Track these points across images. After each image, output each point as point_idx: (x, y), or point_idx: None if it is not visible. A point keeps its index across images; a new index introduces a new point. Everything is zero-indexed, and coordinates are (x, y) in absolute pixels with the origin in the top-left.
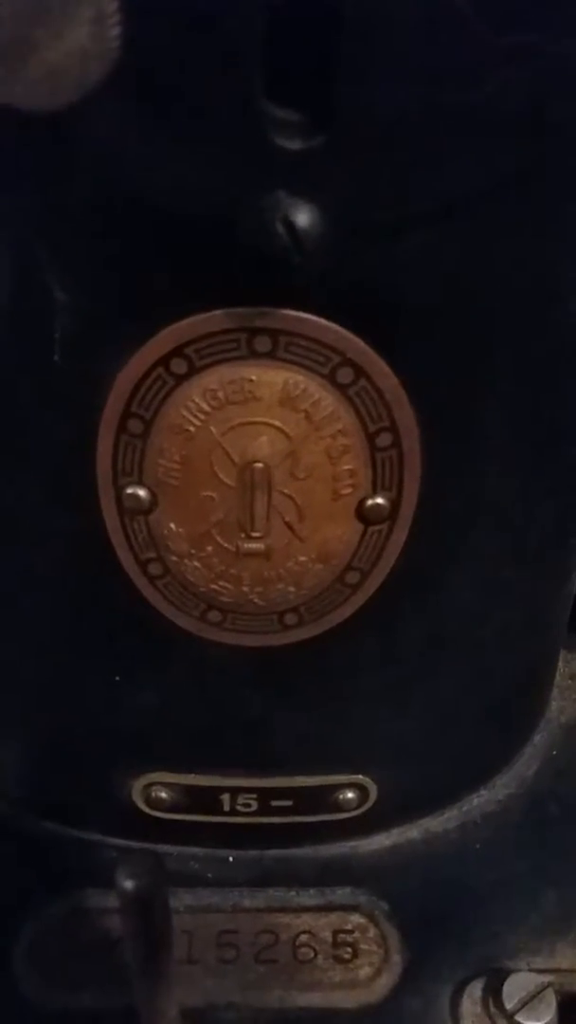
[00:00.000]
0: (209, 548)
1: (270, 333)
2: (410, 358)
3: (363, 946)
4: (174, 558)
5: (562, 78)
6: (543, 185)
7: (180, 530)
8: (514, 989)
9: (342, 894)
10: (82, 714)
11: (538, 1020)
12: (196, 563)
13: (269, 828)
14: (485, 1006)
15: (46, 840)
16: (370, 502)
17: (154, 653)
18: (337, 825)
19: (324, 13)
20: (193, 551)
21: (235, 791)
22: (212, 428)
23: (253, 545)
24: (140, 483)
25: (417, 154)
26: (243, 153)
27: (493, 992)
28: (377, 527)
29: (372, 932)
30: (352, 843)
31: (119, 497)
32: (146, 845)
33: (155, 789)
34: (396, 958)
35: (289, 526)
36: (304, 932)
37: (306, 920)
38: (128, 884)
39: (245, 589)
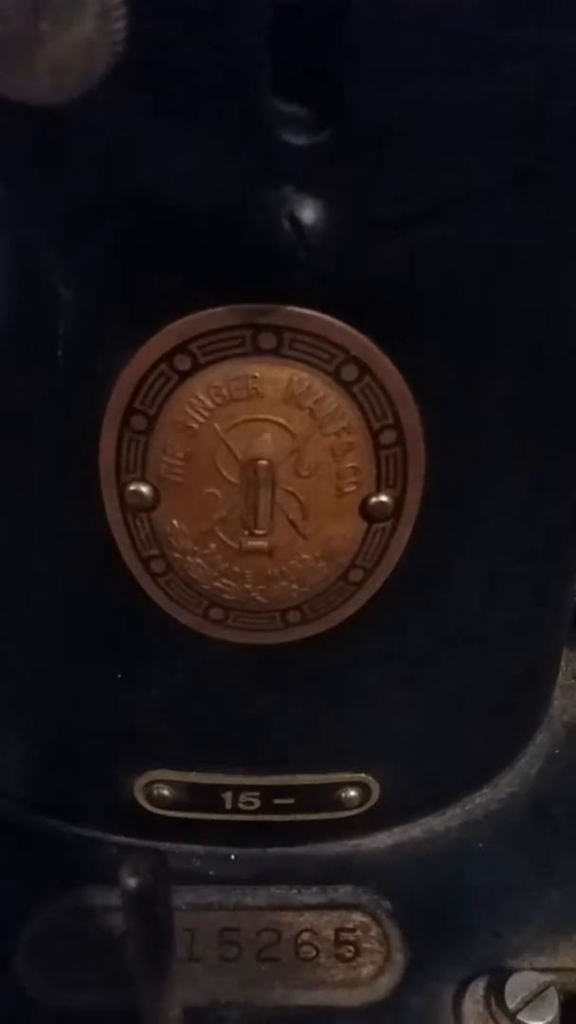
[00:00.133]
0: (212, 545)
1: (274, 330)
2: (414, 355)
3: (365, 945)
4: (177, 555)
5: (568, 74)
6: (548, 181)
7: (183, 527)
8: (516, 988)
9: (344, 892)
10: (84, 711)
11: (540, 1020)
12: (199, 560)
13: (271, 826)
14: (487, 1005)
15: (48, 837)
16: (374, 500)
17: (156, 651)
18: (339, 823)
19: (330, 8)
20: (196, 548)
21: (237, 789)
22: (216, 425)
23: (256, 543)
24: (143, 480)
25: (422, 150)
26: (248, 148)
27: (495, 991)
28: (381, 525)
29: (374, 931)
30: (354, 841)
31: (122, 494)
32: (148, 843)
33: (157, 787)
34: (398, 957)
35: (293, 523)
36: (306, 930)
37: (308, 918)
38: (131, 882)
39: (248, 587)
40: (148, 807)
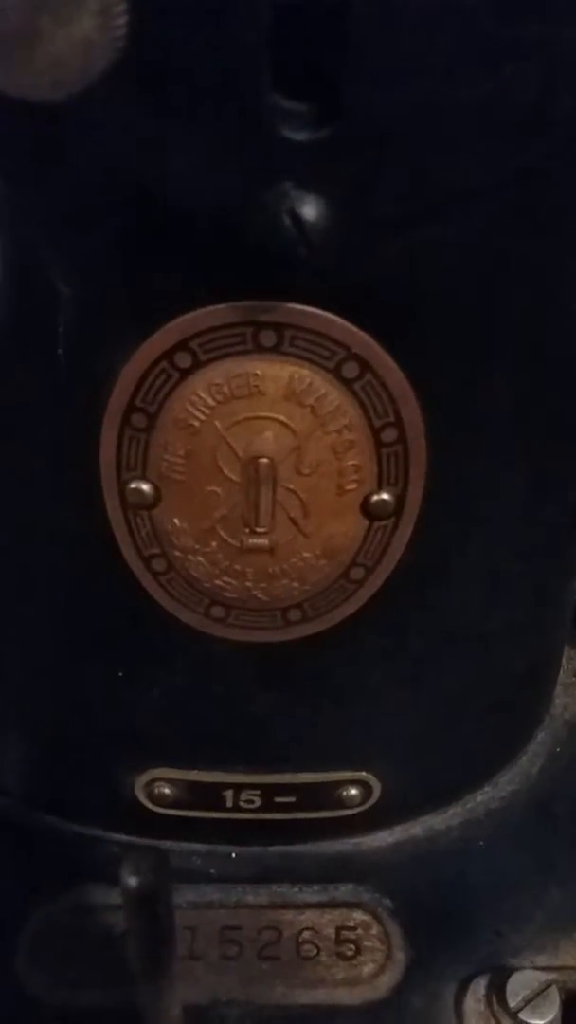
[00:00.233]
0: (213, 544)
1: (275, 327)
2: (415, 353)
3: (366, 943)
4: (178, 553)
5: (568, 72)
6: (548, 181)
7: (184, 525)
8: (518, 987)
9: (345, 891)
10: (85, 710)
11: (542, 1018)
12: (200, 559)
13: (272, 824)
14: (489, 1004)
15: (48, 835)
16: (375, 498)
17: (157, 649)
18: (340, 822)
19: (330, 7)
20: (197, 547)
21: (238, 787)
22: (217, 423)
23: (257, 541)
24: (144, 478)
25: (423, 147)
26: (249, 146)
27: (497, 990)
28: (382, 523)
29: (375, 929)
30: (355, 840)
31: (122, 492)
32: (149, 841)
33: (158, 785)
34: (399, 955)
35: (294, 522)
36: (307, 929)
37: (309, 917)
38: (132, 880)
39: (249, 585)
40: (149, 805)
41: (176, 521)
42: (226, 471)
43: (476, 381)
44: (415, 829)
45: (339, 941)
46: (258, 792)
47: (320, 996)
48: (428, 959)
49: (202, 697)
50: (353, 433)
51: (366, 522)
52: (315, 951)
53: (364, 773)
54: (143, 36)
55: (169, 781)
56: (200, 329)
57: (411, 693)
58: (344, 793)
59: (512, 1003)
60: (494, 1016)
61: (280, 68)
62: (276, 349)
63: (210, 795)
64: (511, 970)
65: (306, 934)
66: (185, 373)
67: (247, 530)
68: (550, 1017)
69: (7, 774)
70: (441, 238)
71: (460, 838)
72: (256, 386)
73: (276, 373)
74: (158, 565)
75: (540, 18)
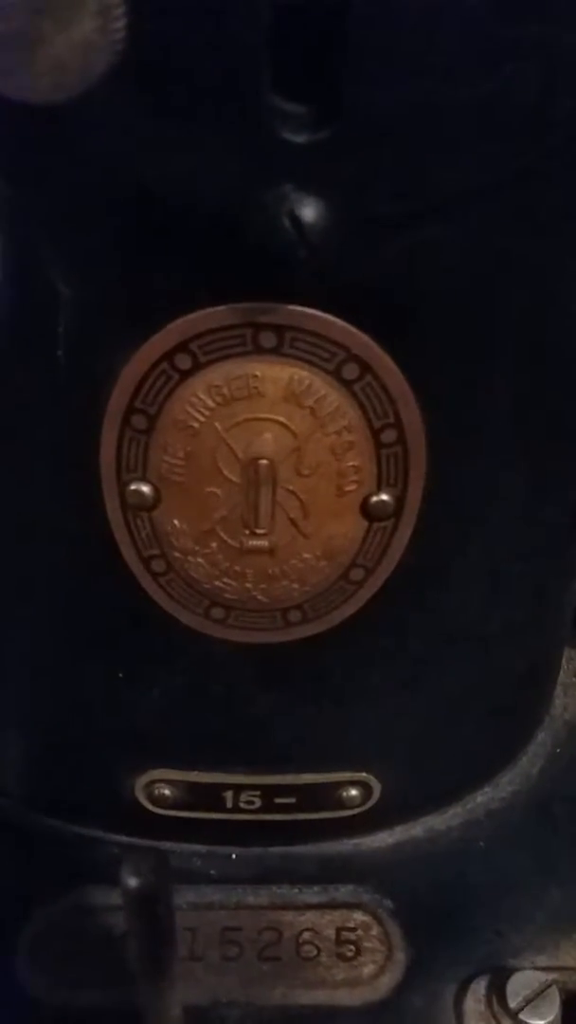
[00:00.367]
0: (213, 545)
1: (275, 328)
2: (415, 354)
3: (366, 944)
4: (177, 555)
5: (568, 73)
6: (548, 181)
7: (184, 527)
8: (518, 987)
9: (345, 891)
10: (84, 711)
11: (542, 1019)
12: (200, 560)
13: (272, 825)
14: (489, 1004)
15: (48, 837)
16: (375, 499)
17: (157, 650)
18: (340, 822)
19: (330, 7)
20: (197, 548)
21: (238, 788)
22: (216, 424)
23: (257, 542)
24: (144, 479)
25: (423, 148)
26: (249, 147)
27: (497, 990)
28: (382, 524)
29: (375, 930)
30: (355, 840)
31: (122, 493)
32: (149, 842)
33: (158, 786)
34: (399, 956)
35: (293, 523)
36: (307, 929)
37: (309, 917)
38: (132, 881)
39: (249, 586)
40: (149, 806)
41: (176, 522)
42: (226, 472)
43: (476, 382)
44: (415, 830)
45: (339, 942)
46: (258, 793)
47: (320, 997)
48: (428, 960)
49: (202, 698)
50: (353, 434)
51: (366, 523)
52: (315, 952)
53: (364, 774)
54: (143, 37)
55: (169, 782)
56: (200, 331)
57: (411, 694)
58: (344, 794)
59: (512, 1003)
60: (494, 1016)
61: (280, 68)
62: (276, 351)
63: (210, 796)
64: (511, 970)
65: (306, 935)
66: (185, 374)
67: (247, 531)
68: (550, 1018)
69: (7, 775)
70: (441, 238)
71: (460, 839)
72: (256, 387)
73: (276, 374)
74: (158, 566)
75: (540, 18)
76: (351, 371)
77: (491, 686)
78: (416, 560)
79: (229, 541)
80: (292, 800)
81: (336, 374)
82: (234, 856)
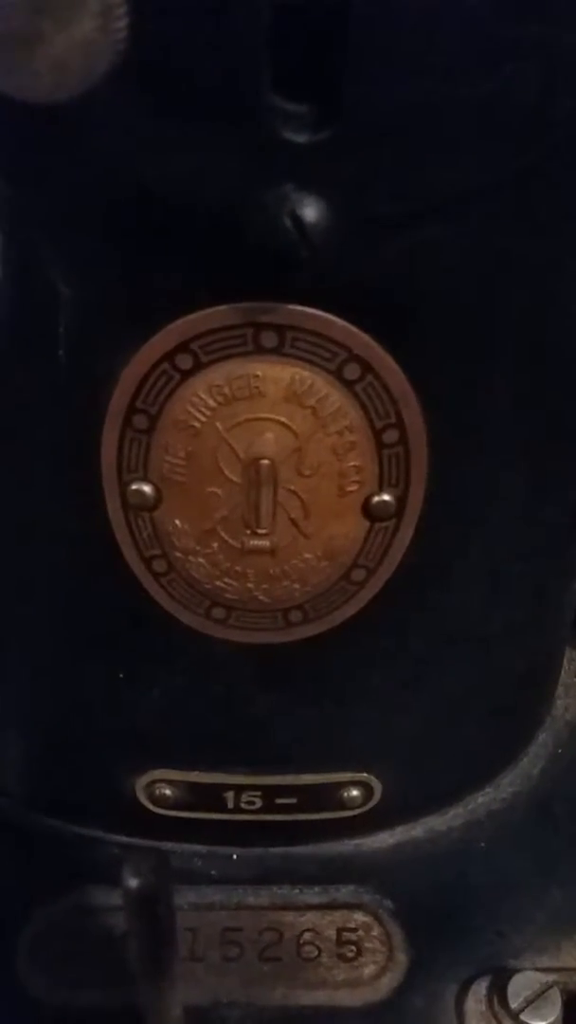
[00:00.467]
0: (214, 545)
1: (276, 328)
2: (416, 354)
3: (367, 944)
4: (178, 555)
5: (568, 73)
6: (547, 181)
7: (185, 527)
8: (519, 988)
9: (346, 892)
10: (85, 711)
11: (543, 1019)
12: (201, 560)
13: (273, 826)
14: (490, 1005)
15: (49, 837)
16: (376, 499)
17: (158, 650)
18: (341, 823)
19: (330, 7)
20: (198, 548)
21: (239, 789)
22: (218, 424)
23: (258, 542)
24: (145, 479)
25: (424, 148)
26: (249, 147)
27: (498, 991)
28: (383, 524)
29: (376, 930)
30: (356, 841)
31: (123, 493)
32: (149, 842)
33: (159, 786)
34: (400, 956)
35: (295, 523)
36: (308, 930)
37: (310, 918)
38: (133, 882)
39: (250, 586)
40: (150, 807)
41: (177, 522)
42: (227, 472)
43: (476, 381)
44: (416, 830)
45: (340, 942)
46: (259, 793)
47: (321, 997)
48: (429, 960)
49: (203, 698)
50: (354, 434)
51: (367, 523)
52: (316, 952)
53: (365, 774)
54: (144, 37)
55: (170, 782)
56: (201, 331)
57: (412, 694)
58: (345, 794)
59: (513, 1004)
60: (495, 1017)
61: (280, 68)
62: (277, 350)
63: (211, 796)
64: (512, 971)
65: (307, 935)
66: (186, 374)
67: (248, 531)
68: (551, 1018)
69: (7, 775)
70: (441, 238)
71: (461, 839)
72: (257, 387)
73: (277, 374)
74: (159, 566)
75: (540, 18)
76: (352, 371)
77: (492, 686)
78: (417, 560)
79: (230, 541)
80: (293, 800)
81: (337, 374)
82: (235, 856)
